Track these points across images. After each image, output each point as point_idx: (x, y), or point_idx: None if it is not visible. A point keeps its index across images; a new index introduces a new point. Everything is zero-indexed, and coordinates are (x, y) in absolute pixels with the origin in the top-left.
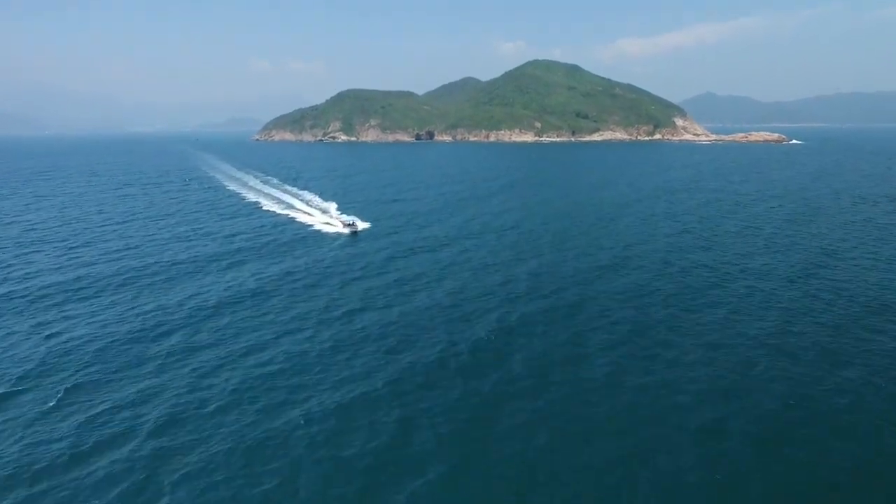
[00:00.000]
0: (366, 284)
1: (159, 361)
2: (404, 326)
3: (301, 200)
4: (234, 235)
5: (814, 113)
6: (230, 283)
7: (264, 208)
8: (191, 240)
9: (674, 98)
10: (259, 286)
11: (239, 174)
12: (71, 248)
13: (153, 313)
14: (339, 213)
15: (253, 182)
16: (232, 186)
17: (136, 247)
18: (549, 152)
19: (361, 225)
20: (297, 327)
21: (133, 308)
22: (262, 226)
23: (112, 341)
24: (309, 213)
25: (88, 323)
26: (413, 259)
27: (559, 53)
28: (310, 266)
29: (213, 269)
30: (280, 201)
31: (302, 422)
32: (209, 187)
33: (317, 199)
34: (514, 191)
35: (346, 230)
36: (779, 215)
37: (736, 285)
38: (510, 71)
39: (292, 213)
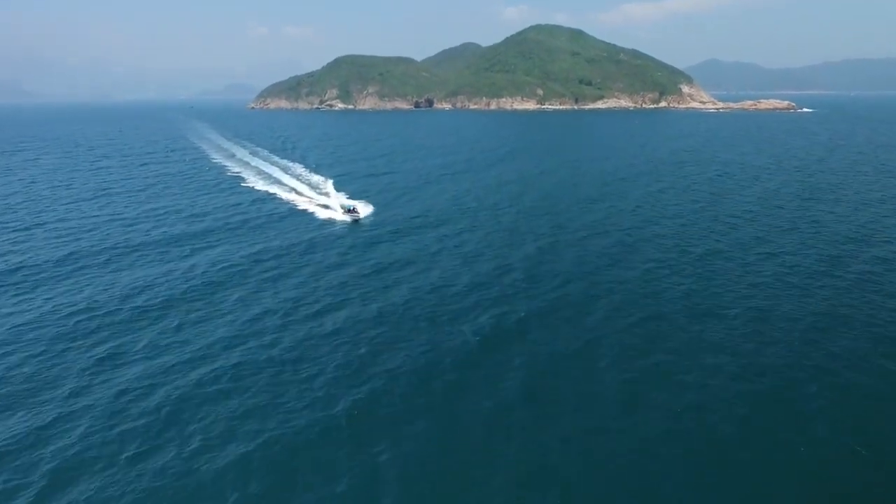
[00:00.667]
0: (341, 275)
1: (73, 383)
2: (379, 333)
3: (291, 175)
4: (206, 215)
5: (821, 79)
6: (190, 272)
7: (247, 183)
8: (158, 219)
9: (679, 64)
10: (223, 276)
11: (227, 144)
12: (24, 229)
13: (85, 312)
14: (335, 190)
15: (240, 153)
16: (217, 158)
17: (94, 228)
18: (552, 120)
19: (364, 210)
20: (257, 330)
21: (63, 302)
22: (240, 203)
23: (26, 356)
24: (297, 191)
25: None
26: (397, 244)
27: (563, 18)
28: (283, 252)
29: (174, 255)
30: (266, 175)
31: (235, 477)
32: (192, 159)
33: (307, 173)
34: (513, 162)
35: (347, 217)
36: (797, 190)
37: (764, 278)
38: (512, 36)
39: (277, 189)
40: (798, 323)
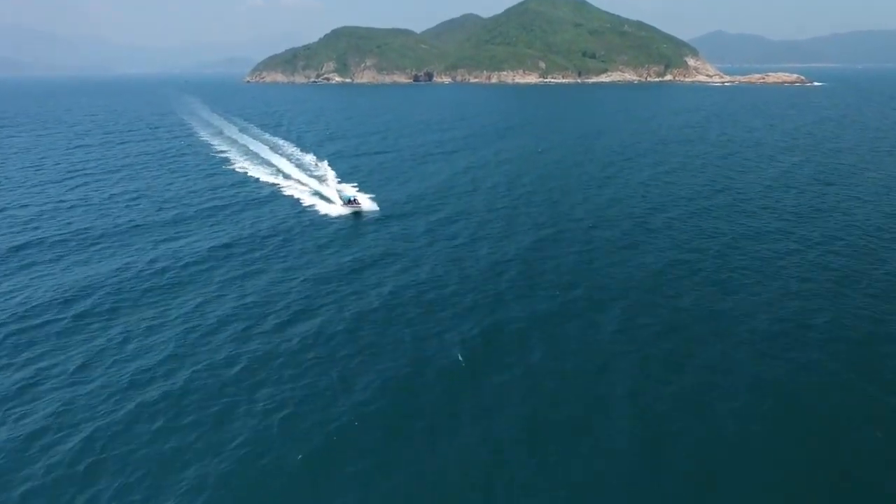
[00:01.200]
0: (316, 273)
1: None
2: (353, 351)
3: (281, 155)
4: (180, 200)
5: (827, 52)
6: (148, 269)
7: (232, 164)
8: (128, 204)
9: (683, 36)
10: (185, 275)
11: (218, 121)
12: None
13: (16, 321)
14: (334, 176)
15: (229, 130)
16: (205, 136)
17: (56, 215)
18: (554, 95)
19: (367, 202)
20: (214, 346)
21: None
22: (219, 187)
23: None
24: (285, 172)
25: None
26: (381, 235)
27: None
28: (256, 245)
29: (136, 247)
30: (254, 155)
31: None
32: (178, 136)
33: (298, 153)
34: (513, 139)
35: (347, 209)
36: (815, 173)
37: (793, 279)
38: (513, 7)
39: (262, 171)
40: (844, 340)
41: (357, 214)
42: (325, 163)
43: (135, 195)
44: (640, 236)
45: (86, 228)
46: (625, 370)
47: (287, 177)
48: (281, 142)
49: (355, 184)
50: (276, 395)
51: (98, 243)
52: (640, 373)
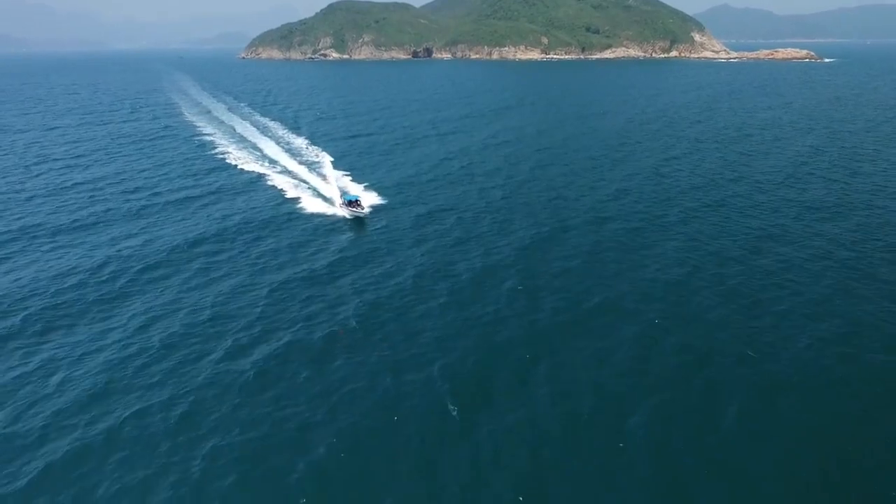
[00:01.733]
0: (282, 281)
1: None
2: (319, 390)
3: (270, 138)
4: (149, 189)
5: (834, 27)
6: (93, 277)
7: (215, 149)
8: (92, 194)
9: (687, 10)
10: (134, 285)
11: (206, 99)
12: None
13: None
14: (325, 157)
15: (217, 110)
16: (190, 116)
17: (8, 207)
18: (556, 71)
19: (372, 200)
20: (147, 381)
21: None
22: (194, 174)
23: None
24: (271, 159)
25: None
26: (363, 229)
27: None
28: (222, 246)
29: (87, 246)
30: (240, 139)
31: None
32: (161, 116)
33: (287, 135)
34: (512, 118)
35: (347, 211)
36: (838, 159)
37: (829, 289)
38: None
39: (247, 157)
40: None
41: (359, 221)
42: (317, 147)
43: (102, 183)
44: (655, 234)
45: (39, 223)
46: (644, 413)
47: (273, 163)
48: (270, 123)
49: (347, 172)
50: (218, 455)
51: (49, 242)
52: (664, 418)
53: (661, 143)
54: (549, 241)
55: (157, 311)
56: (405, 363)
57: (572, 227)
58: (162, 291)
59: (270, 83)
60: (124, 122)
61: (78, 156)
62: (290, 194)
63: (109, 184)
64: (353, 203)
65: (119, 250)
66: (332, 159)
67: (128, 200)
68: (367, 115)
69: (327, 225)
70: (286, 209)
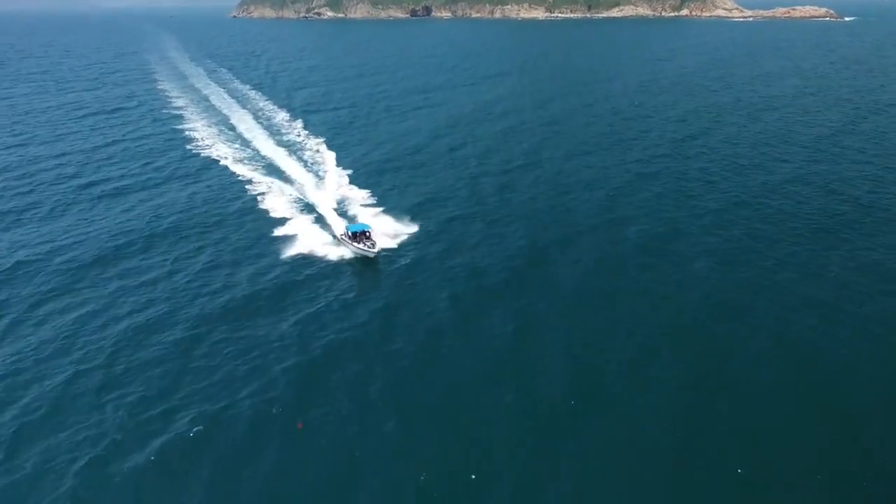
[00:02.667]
0: (203, 310)
1: None
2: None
3: (247, 110)
4: (83, 176)
5: None
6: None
7: (181, 123)
8: (14, 180)
9: None
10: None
11: (186, 63)
12: None
13: None
14: (313, 140)
15: (196, 76)
16: (164, 82)
17: None
18: (562, 31)
19: (388, 238)
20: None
21: None
22: (149, 152)
23: None
24: (244, 139)
25: None
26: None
27: None
28: (151, 243)
29: None
30: (213, 110)
31: None
32: (131, 82)
33: (268, 106)
34: (510, 85)
35: (351, 247)
36: (872, 139)
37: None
38: None
39: (213, 135)
40: None
41: (367, 262)
42: (299, 121)
43: (35, 168)
44: (682, 245)
45: None
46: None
47: (244, 144)
48: (250, 92)
49: (347, 170)
50: None
51: None
52: None
53: (676, 112)
54: (548, 256)
55: (20, 369)
56: (366, 465)
57: (579, 231)
58: (45, 326)
59: (259, 44)
60: (87, 90)
61: (18, 133)
62: (255, 189)
63: (43, 169)
64: (358, 235)
65: (21, 259)
66: (320, 140)
67: (56, 192)
68: (357, 82)
69: (267, 228)
70: (240, 203)
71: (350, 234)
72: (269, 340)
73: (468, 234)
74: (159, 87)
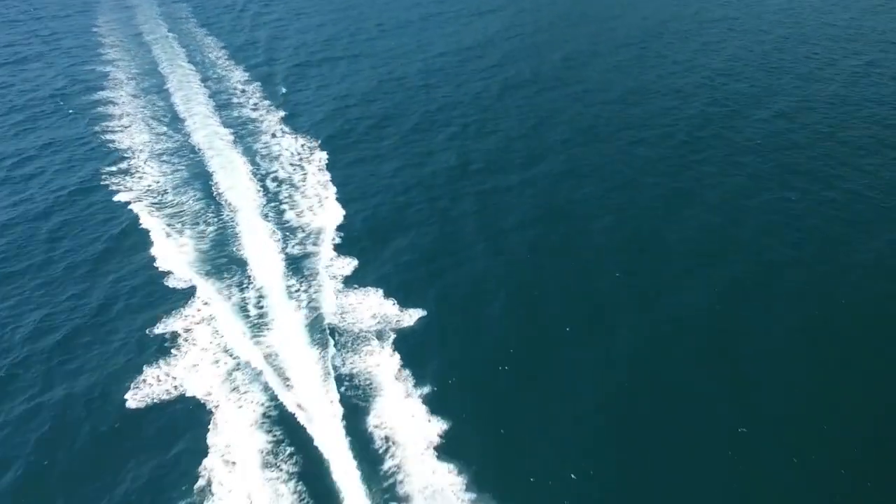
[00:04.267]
0: None
1: None
2: None
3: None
4: None
5: None
6: None
7: (96, 92)
8: None
9: None
10: None
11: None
12: None
13: None
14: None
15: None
16: (100, 27)
17: None
18: None
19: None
20: None
21: None
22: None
23: None
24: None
25: None
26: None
27: None
28: None
29: None
30: (153, 75)
31: None
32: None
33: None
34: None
35: None
36: None
37: None
38: None
39: (134, 115)
40: None
41: None
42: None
43: None
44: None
45: None
46: None
47: (175, 124)
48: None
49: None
50: None
51: None
52: None
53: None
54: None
55: None
56: None
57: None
58: None
59: None
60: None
61: None
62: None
63: None
64: None
65: None
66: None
67: None
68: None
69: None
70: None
71: None
72: None
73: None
74: (95, 31)
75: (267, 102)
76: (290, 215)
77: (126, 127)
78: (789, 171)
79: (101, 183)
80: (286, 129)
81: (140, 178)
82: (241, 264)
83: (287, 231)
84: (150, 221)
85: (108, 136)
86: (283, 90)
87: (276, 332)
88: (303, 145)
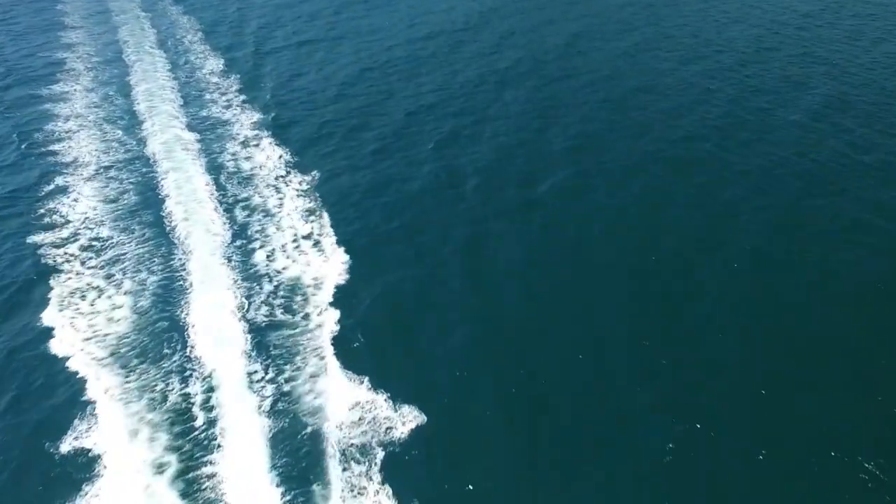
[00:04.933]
0: None
1: None
2: None
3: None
4: None
5: None
6: None
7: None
8: None
9: None
10: None
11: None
12: None
13: None
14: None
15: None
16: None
17: None
18: None
19: None
20: None
21: None
22: None
23: None
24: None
25: None
26: None
27: None
28: None
29: None
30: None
31: None
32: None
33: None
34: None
35: None
36: None
37: None
38: None
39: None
40: None
41: None
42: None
43: None
44: None
45: None
46: None
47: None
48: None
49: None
50: None
51: None
52: None
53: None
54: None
55: None
56: None
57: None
58: None
59: None
60: None
61: None
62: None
63: None
64: None
65: None
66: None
67: None
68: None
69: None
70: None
71: None
72: None
73: None
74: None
75: (242, 98)
76: (258, 257)
77: (73, 132)
78: None
79: (15, 212)
80: (261, 134)
81: (73, 204)
82: (183, 343)
83: (253, 283)
84: (64, 275)
85: (48, 147)
86: (263, 83)
87: (226, 460)
88: (280, 157)
